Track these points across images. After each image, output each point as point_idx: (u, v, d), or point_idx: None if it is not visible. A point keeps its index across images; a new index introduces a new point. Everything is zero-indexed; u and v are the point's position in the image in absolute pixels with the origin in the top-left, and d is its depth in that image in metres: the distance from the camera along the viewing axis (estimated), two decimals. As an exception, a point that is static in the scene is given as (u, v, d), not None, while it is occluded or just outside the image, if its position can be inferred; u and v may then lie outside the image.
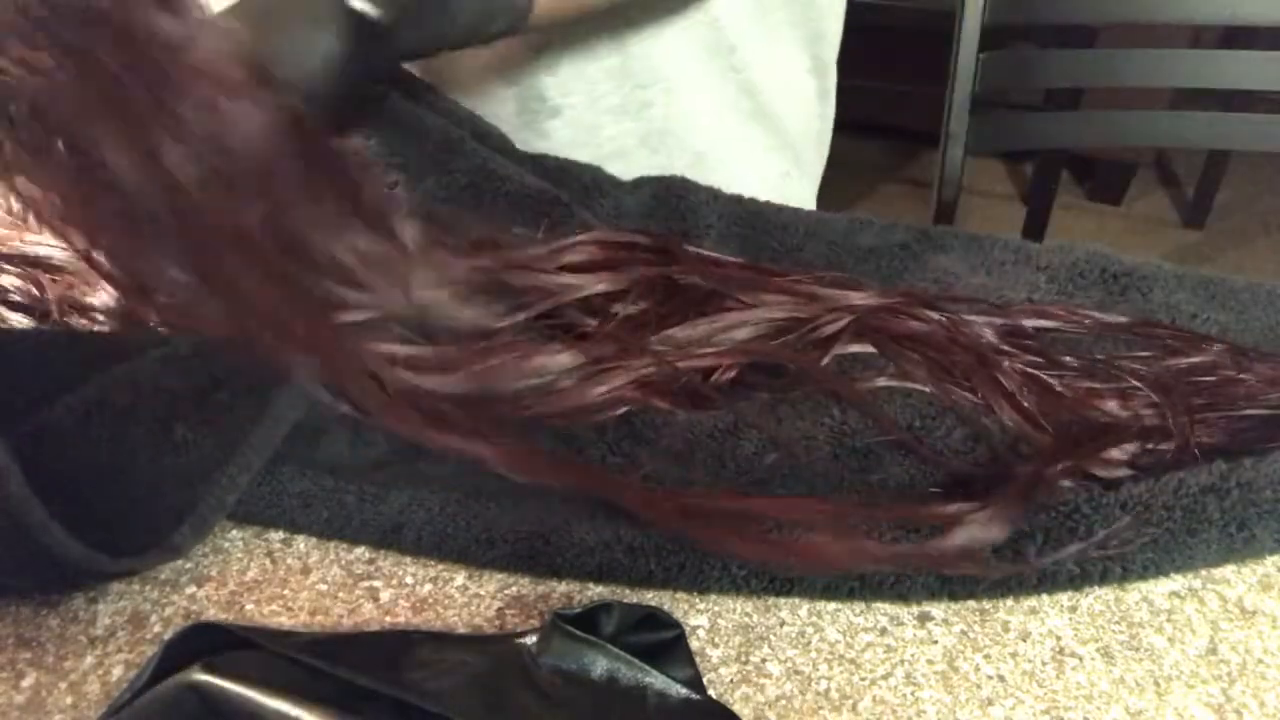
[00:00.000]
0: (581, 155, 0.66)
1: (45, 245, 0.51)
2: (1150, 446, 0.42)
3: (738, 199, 0.61)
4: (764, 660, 0.36)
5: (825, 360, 0.47)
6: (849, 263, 0.57)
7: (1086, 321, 0.50)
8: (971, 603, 0.38)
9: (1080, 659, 0.36)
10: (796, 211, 0.61)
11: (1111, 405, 0.44)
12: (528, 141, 0.70)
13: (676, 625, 0.35)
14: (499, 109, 0.73)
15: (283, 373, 0.39)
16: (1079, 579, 0.38)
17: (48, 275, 0.50)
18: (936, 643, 0.37)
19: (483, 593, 0.39)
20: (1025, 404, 0.44)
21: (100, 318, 0.48)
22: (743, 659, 0.36)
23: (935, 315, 0.49)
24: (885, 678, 0.36)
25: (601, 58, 0.71)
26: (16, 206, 0.51)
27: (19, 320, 0.47)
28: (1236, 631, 0.37)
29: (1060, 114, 1.22)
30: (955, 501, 0.38)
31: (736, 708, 0.34)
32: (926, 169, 1.85)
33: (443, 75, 0.73)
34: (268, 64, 0.38)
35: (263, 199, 0.36)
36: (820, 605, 0.38)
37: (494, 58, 0.72)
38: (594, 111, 0.73)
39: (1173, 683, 0.35)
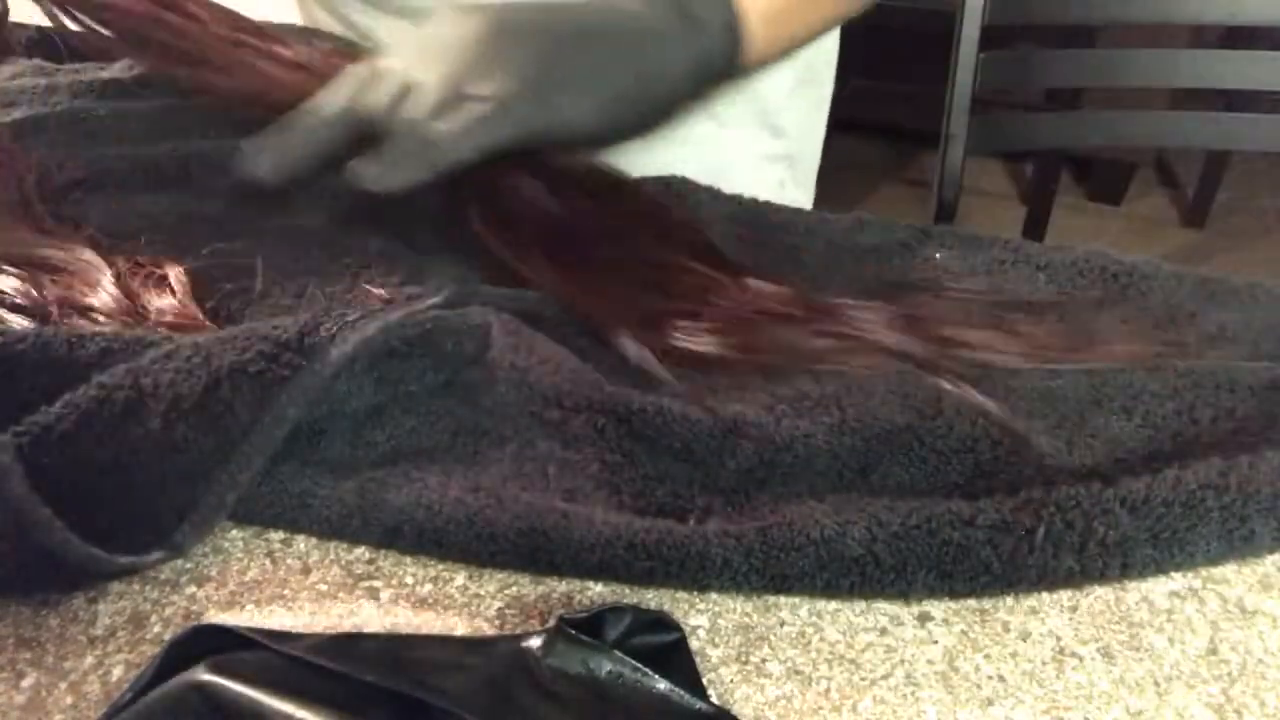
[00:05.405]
0: None
1: (45, 246, 0.51)
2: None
3: (737, 199, 0.61)
4: (764, 660, 0.36)
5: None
6: (849, 262, 0.57)
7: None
8: (971, 602, 0.38)
9: (1080, 659, 0.36)
10: (797, 211, 0.61)
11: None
12: None
13: (678, 628, 0.35)
14: None
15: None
16: (1079, 577, 0.38)
17: (48, 276, 0.50)
18: (936, 643, 0.37)
19: (483, 593, 0.39)
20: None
21: (100, 318, 0.48)
22: (743, 659, 0.36)
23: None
24: (885, 678, 0.36)
25: None
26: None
27: (19, 322, 0.47)
28: (1236, 631, 0.37)
29: (1060, 114, 1.22)
30: None
31: (736, 708, 0.34)
32: (926, 169, 1.85)
33: None
34: None
35: None
36: (820, 605, 0.38)
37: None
38: None
39: (1173, 683, 0.35)
